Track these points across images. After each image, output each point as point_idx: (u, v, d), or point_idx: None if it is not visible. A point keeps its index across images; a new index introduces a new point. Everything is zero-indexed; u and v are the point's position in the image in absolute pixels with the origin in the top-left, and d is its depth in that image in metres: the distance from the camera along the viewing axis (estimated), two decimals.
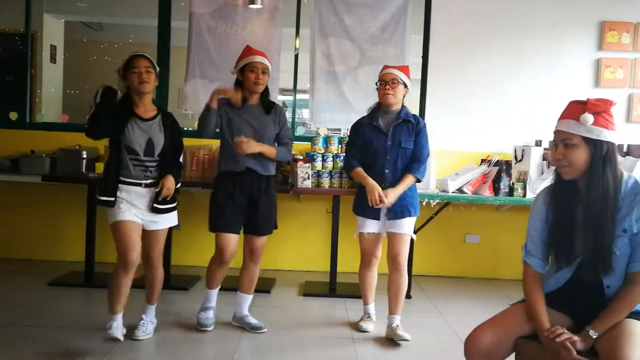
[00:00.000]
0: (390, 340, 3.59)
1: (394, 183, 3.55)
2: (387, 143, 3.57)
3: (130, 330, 3.40)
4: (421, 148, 3.62)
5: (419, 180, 3.63)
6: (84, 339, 3.38)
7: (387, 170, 3.56)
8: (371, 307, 3.87)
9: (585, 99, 2.13)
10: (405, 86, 3.62)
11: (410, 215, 3.61)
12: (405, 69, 3.65)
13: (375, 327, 3.78)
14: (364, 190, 3.57)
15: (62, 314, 3.79)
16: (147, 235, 3.34)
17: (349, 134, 3.84)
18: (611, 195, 2.07)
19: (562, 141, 2.13)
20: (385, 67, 3.68)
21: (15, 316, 3.71)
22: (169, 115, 3.44)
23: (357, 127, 3.71)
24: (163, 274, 3.54)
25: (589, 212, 2.10)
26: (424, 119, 5.21)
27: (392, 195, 3.49)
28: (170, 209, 3.39)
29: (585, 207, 2.11)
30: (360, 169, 3.61)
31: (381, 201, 3.46)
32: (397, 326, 3.59)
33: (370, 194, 3.49)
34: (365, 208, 3.61)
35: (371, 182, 3.52)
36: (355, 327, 3.81)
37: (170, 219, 3.42)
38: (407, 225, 3.60)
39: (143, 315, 3.50)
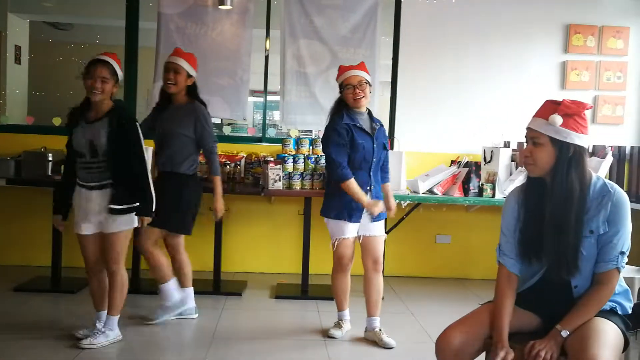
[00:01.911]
0: (364, 341, 3.61)
1: (376, 187, 3.60)
2: (373, 146, 3.52)
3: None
4: (386, 152, 3.67)
5: None
6: (51, 345, 3.30)
7: (372, 174, 3.55)
8: (346, 313, 3.78)
9: (561, 99, 2.12)
10: (369, 84, 3.55)
11: (384, 217, 3.67)
12: (363, 66, 3.58)
13: (347, 332, 3.75)
14: (342, 194, 3.46)
15: (28, 320, 3.69)
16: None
17: (328, 135, 3.53)
18: (576, 197, 2.08)
19: (531, 139, 2.15)
20: (343, 68, 3.56)
21: None
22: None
23: (341, 128, 3.47)
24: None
25: (553, 213, 2.12)
26: (394, 120, 5.26)
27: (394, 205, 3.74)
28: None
29: (550, 208, 2.14)
30: (353, 181, 3.43)
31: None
32: (381, 330, 3.59)
33: (374, 206, 3.46)
34: (349, 212, 3.50)
35: (365, 197, 3.46)
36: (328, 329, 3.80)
37: None
38: (382, 227, 3.66)
39: (97, 321, 3.41)
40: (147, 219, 3.32)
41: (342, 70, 3.57)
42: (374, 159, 3.53)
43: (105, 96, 3.23)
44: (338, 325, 3.75)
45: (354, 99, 3.48)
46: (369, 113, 3.61)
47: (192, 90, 3.82)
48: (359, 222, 3.54)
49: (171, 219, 3.71)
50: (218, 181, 3.81)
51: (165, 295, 3.80)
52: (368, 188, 3.52)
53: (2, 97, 5.86)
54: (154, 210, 3.32)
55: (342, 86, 3.53)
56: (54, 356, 3.18)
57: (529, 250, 2.19)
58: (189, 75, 3.78)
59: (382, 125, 3.66)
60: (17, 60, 6.21)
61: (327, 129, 3.55)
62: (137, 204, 3.26)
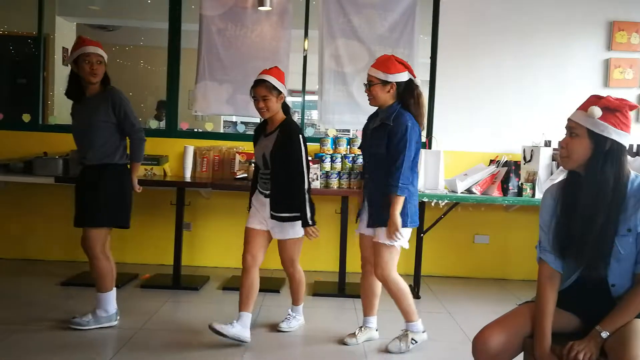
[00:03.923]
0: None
1: (374, 190, 3.30)
2: (365, 146, 3.46)
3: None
4: (393, 155, 3.18)
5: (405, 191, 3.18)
6: (96, 339, 3.42)
7: (366, 175, 3.44)
8: (369, 320, 3.62)
9: (605, 95, 2.11)
10: (386, 83, 3.23)
11: (384, 225, 3.23)
12: (383, 63, 3.26)
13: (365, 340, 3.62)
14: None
15: (74, 314, 3.81)
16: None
17: None
18: (608, 193, 2.06)
19: (568, 130, 2.14)
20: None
21: (27, 316, 3.75)
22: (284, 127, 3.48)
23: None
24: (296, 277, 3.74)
25: (584, 208, 2.10)
26: (432, 119, 5.21)
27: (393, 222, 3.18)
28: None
29: (582, 202, 2.11)
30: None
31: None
32: (400, 335, 3.45)
33: None
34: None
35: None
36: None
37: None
38: (381, 234, 3.27)
39: (289, 310, 3.82)
40: (313, 230, 3.45)
41: None
42: (367, 161, 3.45)
43: (272, 112, 3.45)
44: (358, 331, 3.61)
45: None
46: (388, 113, 3.25)
47: (106, 78, 3.65)
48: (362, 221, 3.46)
49: (117, 213, 3.60)
50: (136, 167, 3.68)
51: (103, 305, 3.61)
52: (365, 191, 3.43)
53: (50, 97, 6.06)
54: (309, 220, 3.42)
55: None
56: (102, 345, 3.30)
57: (565, 246, 2.17)
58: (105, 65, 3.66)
59: (386, 124, 3.22)
60: (65, 61, 6.41)
61: None
62: (297, 214, 3.44)
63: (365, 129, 3.48)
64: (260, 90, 3.41)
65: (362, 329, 3.62)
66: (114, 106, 3.53)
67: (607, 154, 2.06)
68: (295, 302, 3.81)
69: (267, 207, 3.48)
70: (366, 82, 3.32)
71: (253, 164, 3.73)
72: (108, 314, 3.61)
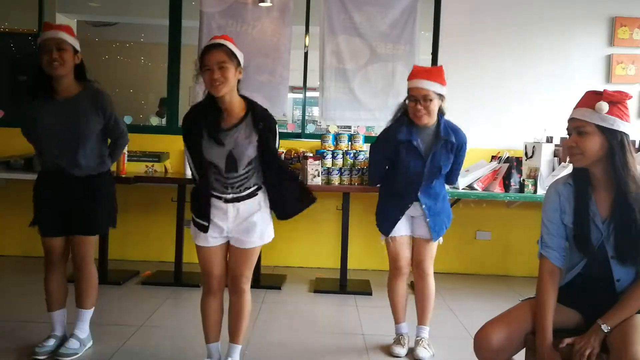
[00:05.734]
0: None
1: (430, 204, 3.21)
2: (424, 169, 3.11)
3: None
4: (458, 166, 3.26)
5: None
6: (96, 337, 3.40)
7: (420, 194, 3.17)
8: (403, 326, 3.45)
9: (601, 90, 2.11)
10: (441, 96, 3.07)
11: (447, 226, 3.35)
12: (438, 74, 3.08)
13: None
14: (385, 199, 3.34)
15: (73, 311, 3.81)
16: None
17: (375, 142, 3.33)
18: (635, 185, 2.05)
19: (575, 129, 2.12)
20: (414, 71, 3.10)
21: (28, 313, 3.75)
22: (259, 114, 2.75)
23: (392, 139, 3.15)
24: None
25: (620, 201, 2.08)
26: None
27: None
28: None
29: (617, 196, 2.09)
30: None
31: None
32: (422, 340, 3.36)
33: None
34: (390, 213, 3.28)
35: None
36: (367, 324, 3.82)
37: None
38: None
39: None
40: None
41: (412, 72, 3.11)
42: (423, 182, 3.14)
43: (229, 88, 2.66)
44: (397, 341, 3.40)
45: (414, 114, 3.07)
46: (439, 126, 3.12)
47: (80, 71, 3.05)
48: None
49: (105, 221, 3.27)
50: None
51: (84, 326, 3.18)
52: (416, 211, 3.24)
53: None
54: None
55: (407, 92, 3.12)
56: (103, 343, 3.29)
57: (577, 243, 2.16)
58: (75, 51, 3.00)
59: (449, 141, 3.13)
60: None
61: (379, 135, 3.32)
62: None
63: (414, 149, 3.12)
64: (218, 54, 2.58)
65: (401, 337, 3.43)
66: (105, 110, 3.06)
67: (621, 147, 2.06)
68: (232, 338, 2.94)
69: (229, 214, 2.76)
70: (420, 97, 3.02)
71: (191, 166, 2.78)
72: (87, 333, 3.21)
